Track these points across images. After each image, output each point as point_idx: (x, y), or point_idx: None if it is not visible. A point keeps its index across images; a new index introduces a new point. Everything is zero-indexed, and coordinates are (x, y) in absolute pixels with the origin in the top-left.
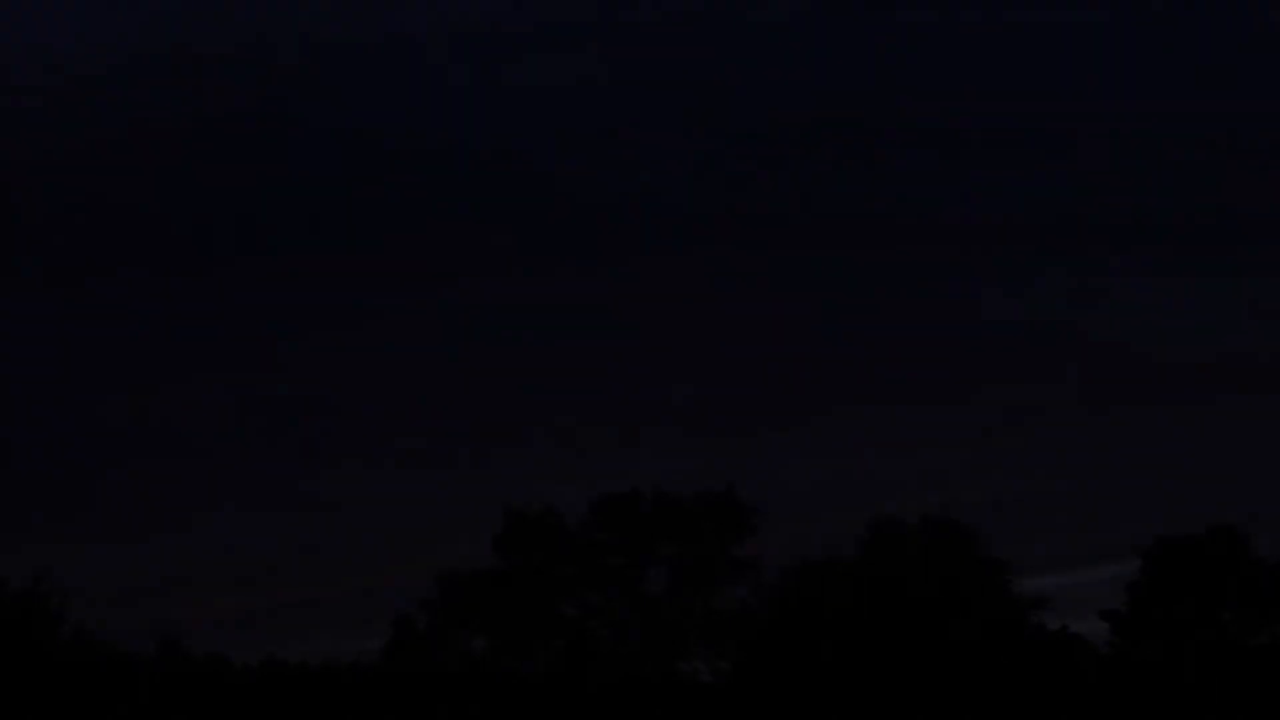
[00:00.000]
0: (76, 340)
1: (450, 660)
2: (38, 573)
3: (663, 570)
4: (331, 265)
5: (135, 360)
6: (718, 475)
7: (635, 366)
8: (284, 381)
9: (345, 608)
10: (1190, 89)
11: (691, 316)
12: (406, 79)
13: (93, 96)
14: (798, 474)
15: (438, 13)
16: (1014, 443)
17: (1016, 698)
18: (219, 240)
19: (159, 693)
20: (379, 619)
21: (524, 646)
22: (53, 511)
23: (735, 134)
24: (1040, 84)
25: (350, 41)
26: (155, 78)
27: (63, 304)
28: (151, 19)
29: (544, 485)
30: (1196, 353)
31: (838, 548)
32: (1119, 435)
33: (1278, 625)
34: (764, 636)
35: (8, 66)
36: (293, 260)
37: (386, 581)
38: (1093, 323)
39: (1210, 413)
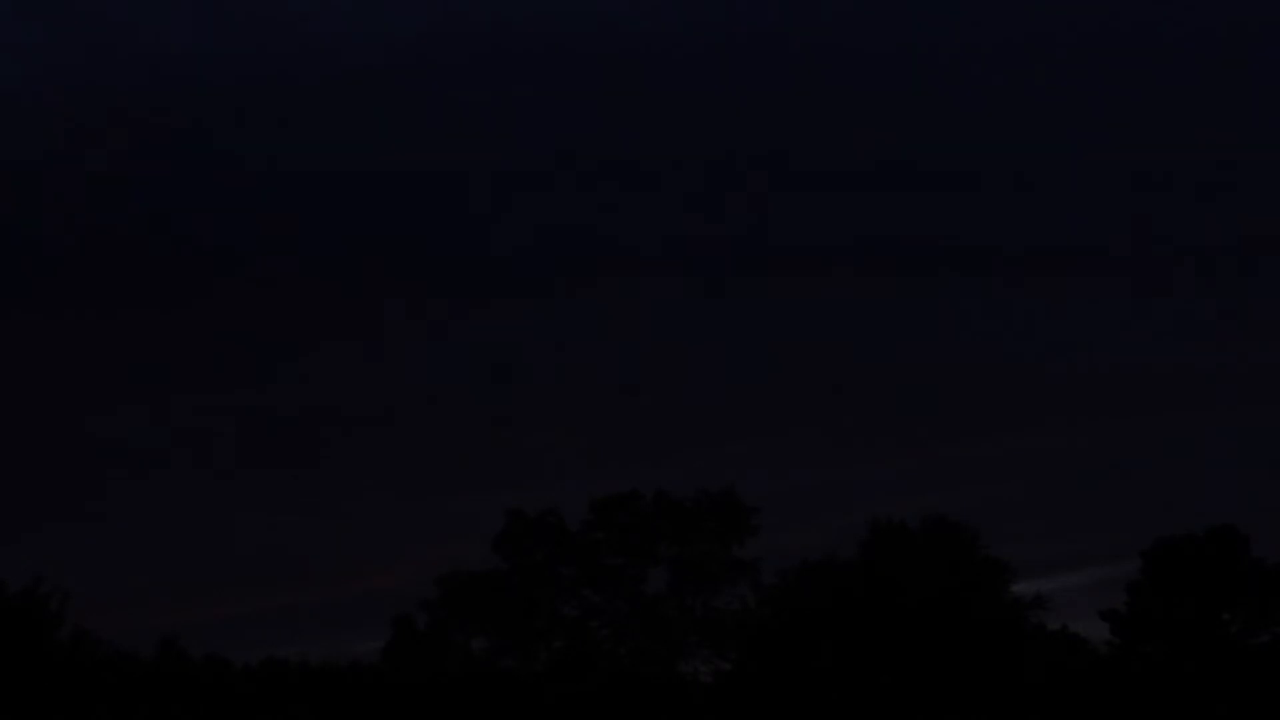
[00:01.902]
0: (78, 344)
1: (450, 660)
2: (37, 573)
3: (663, 570)
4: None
5: (131, 364)
6: (718, 475)
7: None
8: (285, 384)
9: (345, 608)
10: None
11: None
12: None
13: None
14: (798, 474)
15: None
16: (1014, 446)
17: (1016, 698)
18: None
19: (159, 693)
20: (379, 619)
21: (524, 646)
22: (53, 513)
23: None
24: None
25: None
26: None
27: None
28: None
29: (544, 485)
30: (1143, 367)
31: (837, 548)
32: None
33: (1278, 625)
34: (764, 636)
35: None
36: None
37: (386, 582)
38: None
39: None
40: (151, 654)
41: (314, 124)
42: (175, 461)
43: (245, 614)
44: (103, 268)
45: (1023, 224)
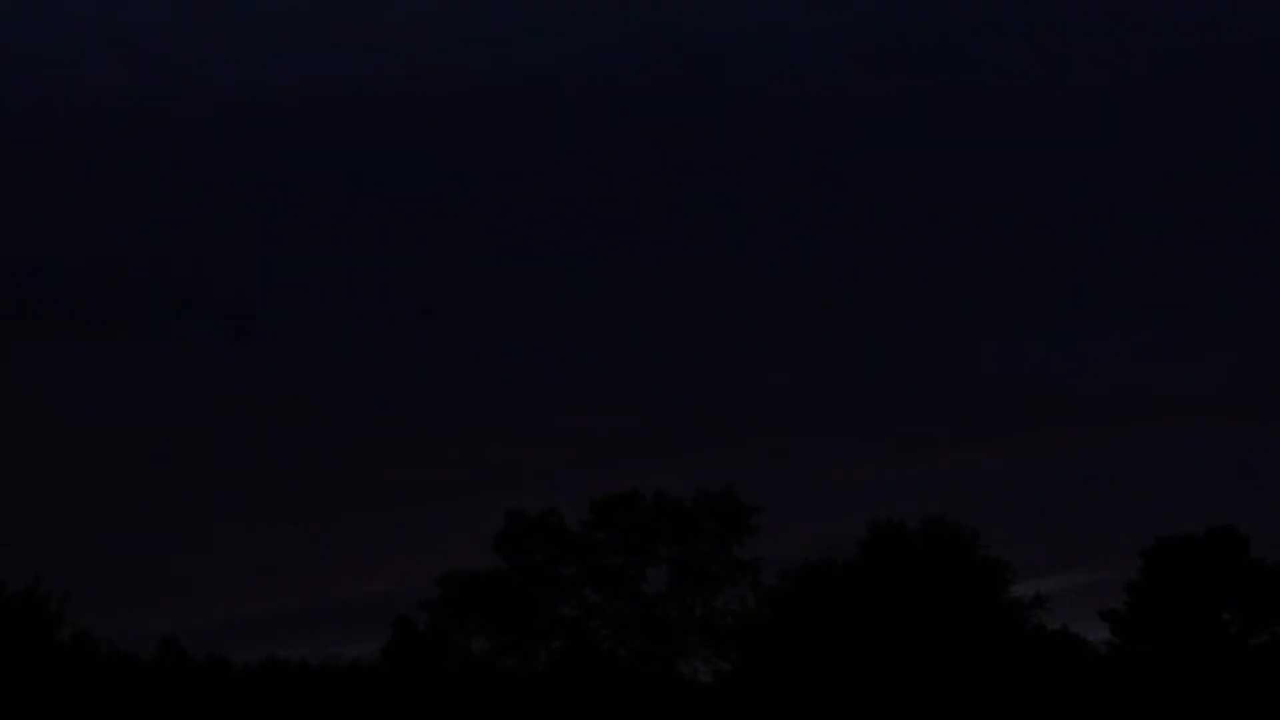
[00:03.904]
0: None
1: (450, 660)
2: (37, 573)
3: (663, 570)
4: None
5: (133, 362)
6: (718, 475)
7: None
8: (287, 383)
9: (346, 610)
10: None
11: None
12: None
13: None
14: (798, 475)
15: None
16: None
17: (1017, 698)
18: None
19: (159, 693)
20: (380, 620)
21: (524, 646)
22: (55, 514)
23: None
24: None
25: None
26: None
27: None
28: None
29: (544, 485)
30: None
31: (837, 548)
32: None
33: (1278, 625)
34: (764, 636)
35: None
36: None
37: (386, 582)
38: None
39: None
40: (151, 654)
41: None
42: (179, 463)
43: (246, 615)
44: None
45: (1028, 253)
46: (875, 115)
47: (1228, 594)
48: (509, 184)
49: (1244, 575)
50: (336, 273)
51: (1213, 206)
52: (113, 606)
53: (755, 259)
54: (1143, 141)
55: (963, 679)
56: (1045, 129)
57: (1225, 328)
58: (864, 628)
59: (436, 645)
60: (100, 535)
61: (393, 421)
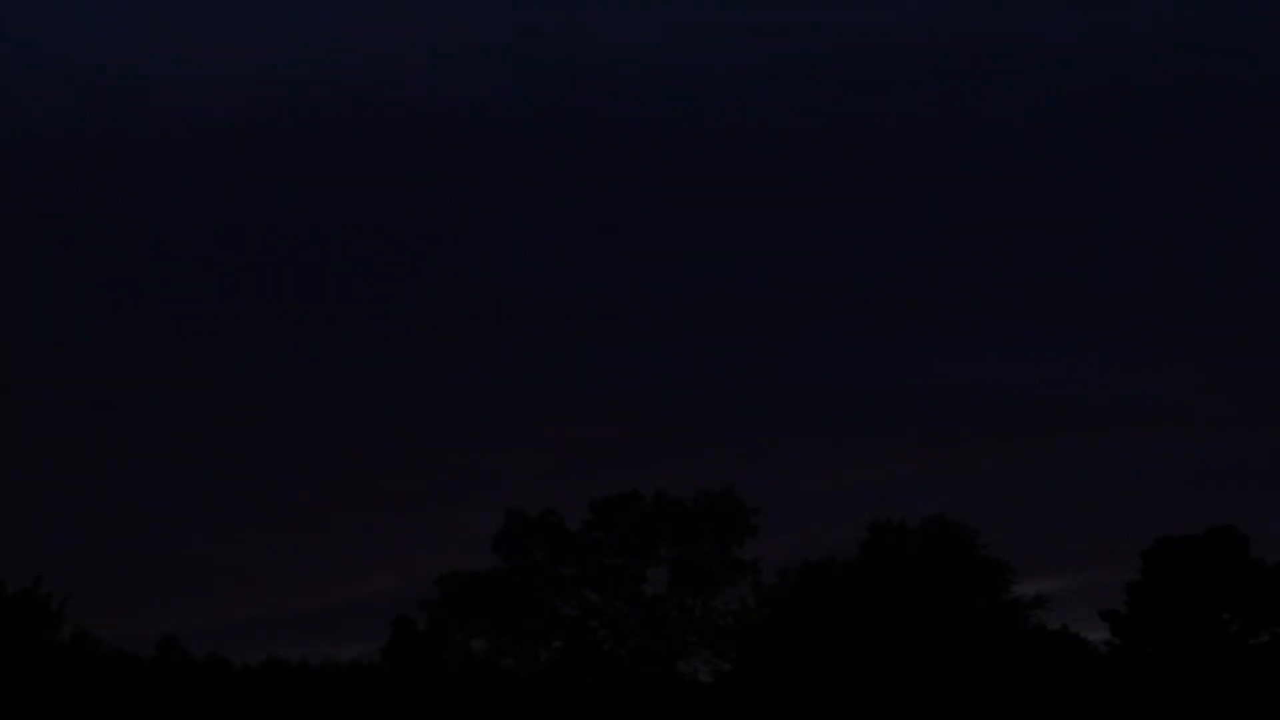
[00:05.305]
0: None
1: (450, 660)
2: (37, 573)
3: (663, 570)
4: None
5: (137, 360)
6: (718, 475)
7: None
8: (287, 386)
9: (345, 609)
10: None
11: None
12: None
13: None
14: (799, 475)
15: None
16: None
17: (1017, 698)
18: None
19: (159, 693)
20: (380, 620)
21: (524, 646)
22: (55, 514)
23: None
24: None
25: None
26: None
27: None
28: None
29: (544, 485)
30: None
31: (837, 548)
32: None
33: (1278, 625)
34: (764, 636)
35: None
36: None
37: (386, 582)
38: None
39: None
40: (151, 654)
41: None
42: (179, 464)
43: (246, 616)
44: None
45: (1028, 258)
46: (869, 118)
47: (1228, 594)
48: (508, 190)
49: (1244, 575)
50: (337, 277)
51: (1209, 209)
52: (113, 606)
53: (757, 263)
54: (1137, 145)
55: (963, 679)
56: (1041, 132)
57: (1224, 329)
58: (864, 628)
59: (436, 645)
60: (100, 535)
61: (393, 425)
